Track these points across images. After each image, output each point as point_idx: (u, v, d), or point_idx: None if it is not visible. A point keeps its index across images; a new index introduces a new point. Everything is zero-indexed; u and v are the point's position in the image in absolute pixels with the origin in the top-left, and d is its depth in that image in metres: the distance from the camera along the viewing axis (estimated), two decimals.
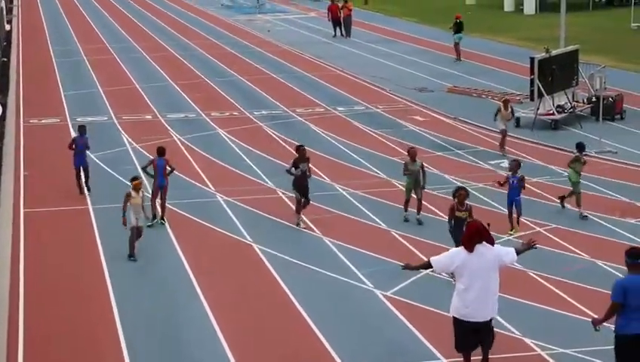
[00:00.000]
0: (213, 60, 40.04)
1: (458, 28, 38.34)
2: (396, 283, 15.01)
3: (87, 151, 20.87)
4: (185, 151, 24.66)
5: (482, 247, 11.23)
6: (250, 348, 12.89)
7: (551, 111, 26.88)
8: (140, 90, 33.62)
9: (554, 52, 27.64)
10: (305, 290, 14.94)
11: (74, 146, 20.52)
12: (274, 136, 26.39)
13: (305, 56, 40.71)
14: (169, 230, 18.18)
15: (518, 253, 11.48)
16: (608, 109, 26.85)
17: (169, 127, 27.55)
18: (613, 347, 10.80)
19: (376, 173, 22.25)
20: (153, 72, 37.54)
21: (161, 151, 18.71)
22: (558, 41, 31.07)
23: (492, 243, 11.39)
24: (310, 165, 18.33)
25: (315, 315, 13.86)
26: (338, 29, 46.69)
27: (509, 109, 23.91)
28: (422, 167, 18.41)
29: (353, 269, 15.82)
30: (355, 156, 23.87)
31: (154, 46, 44.38)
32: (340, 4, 47.05)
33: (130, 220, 16.28)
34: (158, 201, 18.51)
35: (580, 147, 19.32)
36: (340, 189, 20.72)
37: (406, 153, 19.00)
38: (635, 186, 20.63)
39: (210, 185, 21.30)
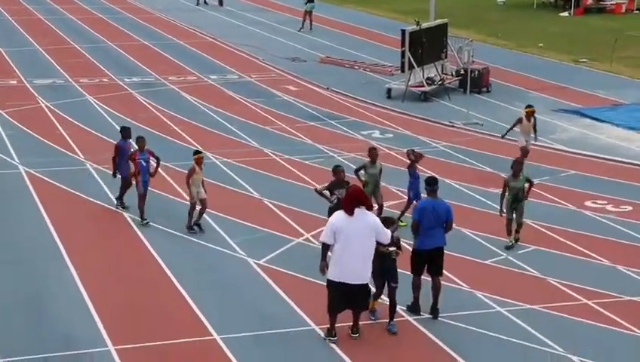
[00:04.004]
0: (82, 25, 38.97)
1: None
2: (269, 252, 15.10)
3: None
4: (52, 118, 24.02)
5: (360, 212, 11.54)
6: (122, 319, 12.72)
7: (421, 84, 27.42)
8: (4, 54, 32.44)
9: (424, 25, 28.13)
10: (177, 259, 14.84)
11: (118, 155, 17.05)
12: (145, 103, 25.99)
13: (177, 23, 40.12)
14: (36, 198, 17.69)
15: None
16: (475, 82, 27.59)
17: (36, 93, 26.75)
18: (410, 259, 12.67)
19: (249, 141, 22.23)
20: (18, 35, 36.26)
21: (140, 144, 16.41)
22: (428, 14, 31.65)
23: (370, 208, 11.84)
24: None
25: (187, 285, 13.80)
26: None
27: (532, 120, 19.65)
28: (380, 168, 16.12)
29: (226, 238, 15.81)
30: (227, 125, 23.78)
31: (18, 9, 42.84)
32: None
33: (194, 195, 15.86)
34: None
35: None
36: (213, 158, 20.61)
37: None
38: (499, 157, 21.32)
39: (80, 153, 20.83)
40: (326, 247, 11.82)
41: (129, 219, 16.69)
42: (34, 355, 11.57)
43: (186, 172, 16.13)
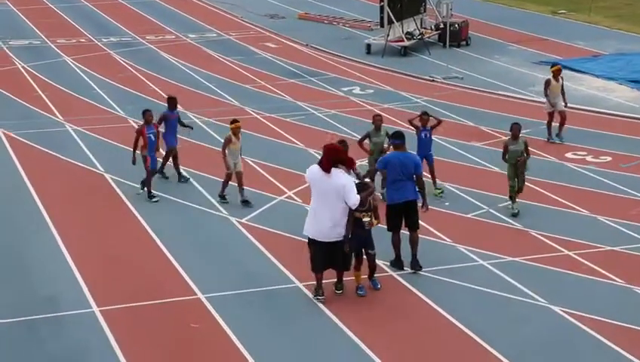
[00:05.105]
0: None
1: None
2: (251, 211, 15.10)
3: None
4: (30, 80, 23.81)
5: (337, 171, 11.48)
6: (105, 280, 12.72)
7: (400, 38, 27.32)
8: None
9: None
10: (160, 219, 14.82)
11: (164, 124, 16.29)
12: (124, 63, 25.78)
13: None
14: (15, 161, 17.58)
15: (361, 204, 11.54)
16: (454, 36, 27.53)
17: (12, 55, 26.48)
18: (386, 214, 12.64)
19: (229, 100, 22.14)
20: None
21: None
22: None
23: (351, 164, 11.81)
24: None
25: (170, 244, 13.80)
26: None
27: (560, 80, 18.70)
28: (388, 135, 14.84)
29: (208, 197, 15.79)
30: (207, 84, 23.65)
31: None
32: None
33: (230, 165, 15.16)
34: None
35: None
36: (193, 117, 20.52)
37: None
38: (479, 110, 21.35)
39: (59, 115, 20.69)
40: None
41: (110, 180, 16.63)
42: (18, 318, 11.56)
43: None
